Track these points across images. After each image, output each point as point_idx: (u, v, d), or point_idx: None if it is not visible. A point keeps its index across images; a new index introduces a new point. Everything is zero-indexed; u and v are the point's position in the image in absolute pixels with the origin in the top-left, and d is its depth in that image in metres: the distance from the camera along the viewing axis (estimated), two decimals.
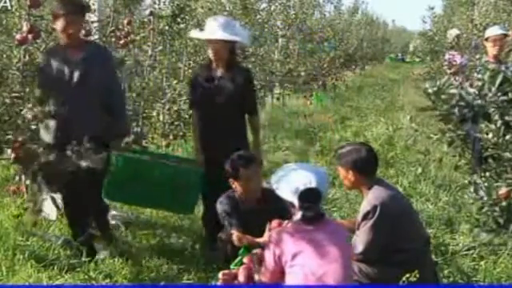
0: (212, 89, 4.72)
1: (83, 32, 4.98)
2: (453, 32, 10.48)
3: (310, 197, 3.35)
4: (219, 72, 4.75)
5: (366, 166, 3.94)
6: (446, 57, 9.63)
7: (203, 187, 4.69)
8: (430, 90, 5.13)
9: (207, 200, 4.79)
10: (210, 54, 4.75)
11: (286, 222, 3.71)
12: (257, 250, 4.01)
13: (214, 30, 4.64)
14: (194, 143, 4.97)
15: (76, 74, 4.35)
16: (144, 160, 4.84)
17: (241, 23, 8.96)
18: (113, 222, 5.03)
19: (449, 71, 8.87)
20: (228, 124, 4.72)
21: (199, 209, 5.03)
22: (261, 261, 3.68)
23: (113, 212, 5.15)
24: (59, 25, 4.33)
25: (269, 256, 3.38)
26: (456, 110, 5.12)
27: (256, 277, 3.61)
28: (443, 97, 5.05)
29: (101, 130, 4.33)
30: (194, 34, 5.20)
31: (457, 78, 7.95)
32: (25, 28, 4.50)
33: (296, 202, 3.36)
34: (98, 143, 4.16)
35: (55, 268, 4.21)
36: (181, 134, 7.41)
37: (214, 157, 4.63)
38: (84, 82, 4.36)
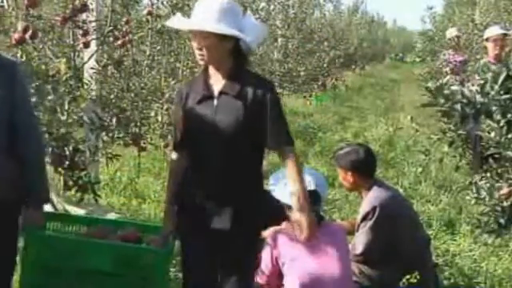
0: (205, 114, 2.89)
1: (79, 32, 4.94)
2: (452, 31, 10.42)
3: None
4: (219, 85, 2.91)
5: (364, 167, 3.91)
6: (445, 56, 9.60)
7: (182, 257, 3.08)
8: (432, 88, 5.10)
9: (189, 274, 3.07)
10: (197, 56, 2.92)
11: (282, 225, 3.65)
12: None
13: (204, 17, 2.84)
14: (166, 198, 3.09)
15: None
16: (77, 240, 3.23)
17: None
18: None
19: (447, 70, 8.85)
20: (229, 172, 2.89)
21: None
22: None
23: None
24: None
25: (266, 258, 3.34)
26: (458, 107, 5.09)
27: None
28: (445, 92, 5.03)
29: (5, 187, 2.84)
30: (174, 21, 3.03)
31: (457, 77, 7.92)
32: (19, 27, 4.45)
33: None
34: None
35: None
36: None
37: (199, 223, 2.94)
38: None
